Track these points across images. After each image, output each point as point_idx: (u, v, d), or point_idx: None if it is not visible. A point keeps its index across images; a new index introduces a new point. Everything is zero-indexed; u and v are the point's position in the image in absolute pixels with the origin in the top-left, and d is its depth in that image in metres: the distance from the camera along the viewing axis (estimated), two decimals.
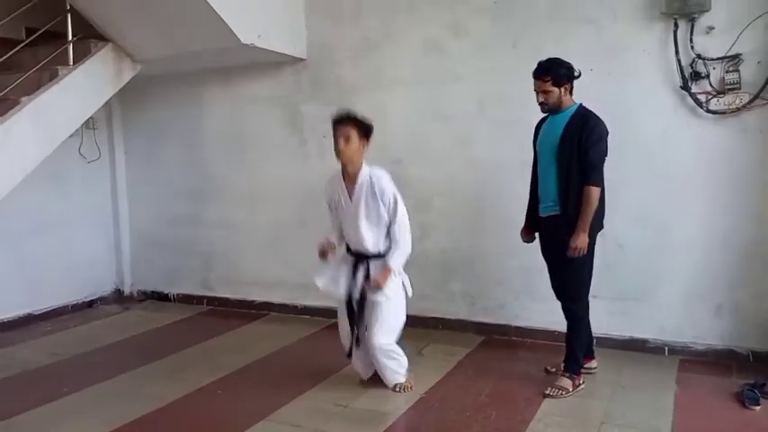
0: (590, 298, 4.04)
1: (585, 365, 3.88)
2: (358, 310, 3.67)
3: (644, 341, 4.38)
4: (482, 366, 4.18)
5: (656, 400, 3.58)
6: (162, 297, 6.31)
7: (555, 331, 4.39)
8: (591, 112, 3.61)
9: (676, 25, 4.14)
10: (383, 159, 5.07)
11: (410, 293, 3.77)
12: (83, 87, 4.71)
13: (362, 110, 5.10)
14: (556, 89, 3.58)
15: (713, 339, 4.22)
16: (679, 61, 4.16)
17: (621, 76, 4.32)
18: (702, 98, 4.14)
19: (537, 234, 3.93)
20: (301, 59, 5.34)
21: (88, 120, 5.25)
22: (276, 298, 5.70)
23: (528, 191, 3.96)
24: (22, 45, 4.62)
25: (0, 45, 4.83)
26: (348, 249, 3.73)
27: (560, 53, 4.16)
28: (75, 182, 6.02)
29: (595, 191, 3.52)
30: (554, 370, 3.92)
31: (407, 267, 3.77)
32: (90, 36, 4.85)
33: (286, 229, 5.56)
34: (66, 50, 4.65)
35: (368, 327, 3.66)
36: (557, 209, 3.63)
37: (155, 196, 6.29)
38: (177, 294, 6.25)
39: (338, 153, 3.52)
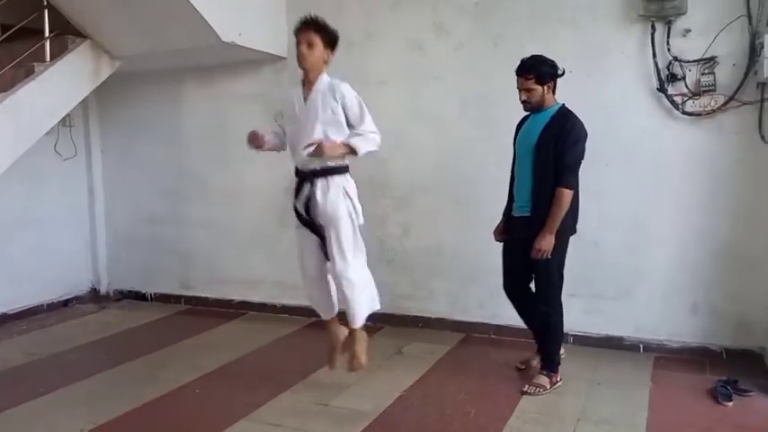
0: (566, 297, 4.05)
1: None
2: (309, 226, 3.42)
3: (620, 339, 4.44)
4: (462, 364, 4.20)
5: (632, 397, 3.63)
6: (139, 296, 6.25)
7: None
8: (571, 113, 3.59)
9: (653, 28, 4.20)
10: (365, 158, 5.11)
11: (361, 221, 3.47)
12: (60, 84, 4.66)
13: None
14: (539, 87, 3.55)
15: (688, 337, 4.30)
16: (656, 63, 4.22)
17: (600, 78, 4.38)
18: (678, 100, 4.20)
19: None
20: (282, 58, 5.31)
21: (64, 117, 5.18)
22: (255, 297, 5.68)
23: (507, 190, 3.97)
24: None
25: None
26: (296, 172, 3.43)
27: (541, 53, 4.20)
28: (50, 180, 5.93)
29: (567, 193, 3.48)
30: (524, 367, 3.98)
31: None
32: (67, 32, 4.79)
33: (266, 227, 5.54)
34: (43, 47, 4.60)
35: (328, 254, 3.41)
36: (528, 210, 3.62)
37: (132, 194, 6.22)
38: (155, 294, 6.19)
39: (300, 58, 3.24)
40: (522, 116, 3.84)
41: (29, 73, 4.45)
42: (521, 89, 3.60)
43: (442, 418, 3.40)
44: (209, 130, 5.81)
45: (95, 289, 6.37)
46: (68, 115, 5.42)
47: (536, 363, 3.92)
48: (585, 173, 4.35)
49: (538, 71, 3.53)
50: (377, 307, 3.58)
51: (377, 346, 4.60)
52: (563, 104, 3.65)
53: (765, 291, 4.02)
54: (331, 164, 3.32)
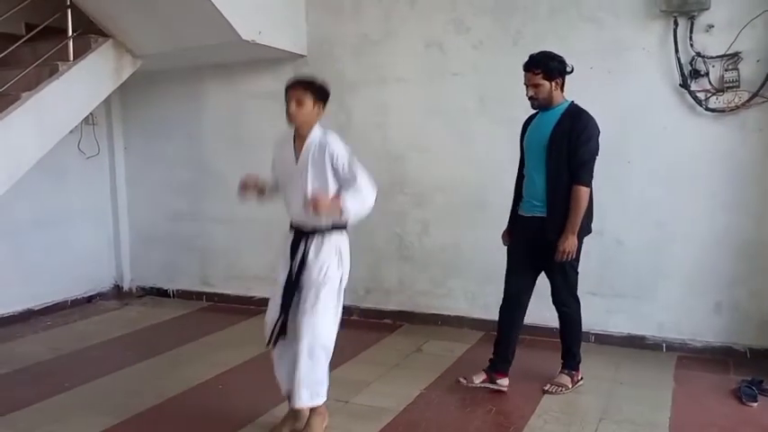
0: (588, 296, 4.11)
1: (498, 382, 3.72)
2: (288, 291, 3.11)
3: (642, 338, 4.40)
4: (481, 362, 4.17)
5: (654, 397, 3.60)
6: (161, 293, 6.32)
7: (554, 328, 4.40)
8: (582, 109, 3.50)
9: (676, 23, 4.15)
10: (384, 155, 5.13)
11: (345, 281, 3.17)
12: (83, 83, 4.70)
13: (363, 106, 5.19)
14: (546, 83, 3.45)
15: (711, 336, 4.25)
16: (678, 59, 4.17)
17: (621, 75, 4.34)
18: (701, 96, 4.16)
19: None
20: (301, 56, 5.34)
21: (88, 115, 5.24)
22: None
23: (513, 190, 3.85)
24: (23, 41, 4.61)
25: (0, 40, 4.84)
26: (291, 227, 3.26)
27: (561, 51, 4.16)
28: (74, 177, 6.01)
29: (585, 191, 3.41)
30: (465, 382, 3.76)
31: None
32: (90, 31, 4.84)
33: (286, 224, 5.53)
34: (67, 46, 4.64)
35: (299, 312, 3.08)
36: (543, 210, 3.51)
37: (154, 192, 6.29)
38: (176, 290, 6.25)
39: (289, 117, 3.10)
40: (529, 115, 3.73)
41: (53, 72, 4.50)
42: (528, 84, 3.51)
43: (462, 415, 3.40)
44: (229, 127, 5.85)
45: (118, 285, 6.45)
46: (92, 114, 5.48)
47: (481, 381, 3.73)
48: (607, 170, 4.33)
49: (546, 66, 3.44)
50: (319, 401, 3.10)
51: (396, 344, 4.65)
52: (572, 102, 3.55)
53: None
54: (327, 222, 3.07)
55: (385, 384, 3.85)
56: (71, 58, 4.64)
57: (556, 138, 3.44)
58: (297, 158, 3.15)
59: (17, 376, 4.16)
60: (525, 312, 3.73)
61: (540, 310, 4.47)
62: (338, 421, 3.36)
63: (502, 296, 3.75)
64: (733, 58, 4.06)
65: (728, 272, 4.19)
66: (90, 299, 6.12)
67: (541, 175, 3.51)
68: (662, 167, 4.29)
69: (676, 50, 4.17)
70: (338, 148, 3.07)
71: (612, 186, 4.38)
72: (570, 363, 3.79)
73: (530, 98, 3.54)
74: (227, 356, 4.40)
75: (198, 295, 6.12)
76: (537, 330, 4.50)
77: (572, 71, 3.54)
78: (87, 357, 4.54)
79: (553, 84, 3.46)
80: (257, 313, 5.58)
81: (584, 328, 4.46)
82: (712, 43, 4.11)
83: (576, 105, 3.53)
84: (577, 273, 3.69)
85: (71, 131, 4.91)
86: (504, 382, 3.72)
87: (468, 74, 4.80)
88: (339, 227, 3.13)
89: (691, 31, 4.14)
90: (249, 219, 5.77)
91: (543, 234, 3.49)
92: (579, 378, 3.77)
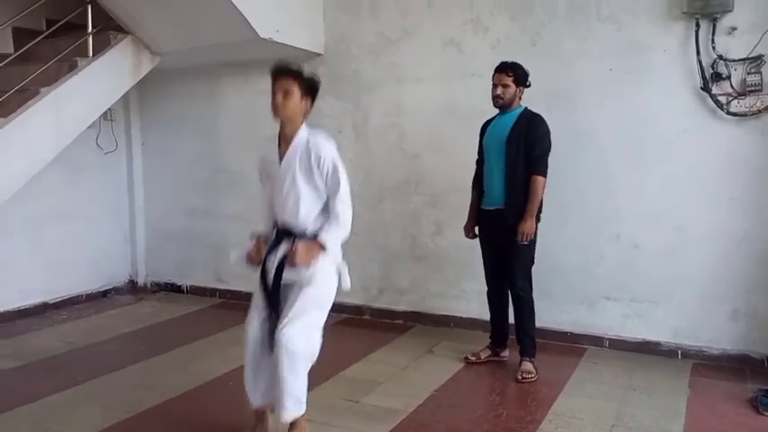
0: (603, 300, 4.29)
1: (501, 354, 4.21)
2: (272, 293, 2.95)
3: (657, 344, 4.34)
4: (493, 365, 4.16)
5: (669, 404, 3.55)
6: (175, 288, 6.36)
7: (567, 332, 4.39)
8: (536, 113, 3.90)
9: (698, 25, 4.09)
10: (399, 155, 5.12)
11: (348, 286, 3.03)
12: (102, 79, 4.75)
13: (380, 105, 5.19)
14: (513, 87, 3.88)
15: (728, 344, 4.18)
16: (700, 62, 4.11)
17: (641, 76, 4.29)
18: (723, 100, 4.09)
19: (477, 229, 4.16)
20: (318, 54, 5.34)
21: (106, 111, 5.29)
22: None
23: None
24: (43, 36, 4.66)
25: (21, 36, 4.90)
26: (274, 226, 3.08)
27: (580, 51, 4.15)
28: (91, 172, 6.07)
29: (542, 180, 3.81)
30: (474, 358, 4.17)
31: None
32: (110, 28, 4.88)
33: None
34: (86, 42, 4.68)
35: (282, 319, 2.89)
36: (502, 202, 3.89)
37: (170, 188, 6.32)
38: (190, 286, 6.29)
39: (275, 109, 2.92)
40: (486, 120, 4.11)
41: (72, 67, 4.55)
42: (497, 84, 3.91)
43: (473, 418, 3.37)
44: (244, 125, 5.86)
45: (133, 280, 6.50)
46: (110, 109, 5.53)
47: (486, 356, 4.19)
48: (625, 173, 4.31)
49: (517, 72, 3.89)
50: (302, 410, 2.93)
51: (407, 345, 4.62)
52: (526, 107, 3.94)
53: None
54: (312, 227, 2.93)
55: (396, 385, 3.84)
56: (90, 54, 4.69)
57: (513, 137, 3.86)
58: (281, 160, 2.96)
59: (32, 368, 4.20)
60: (507, 291, 4.06)
61: (554, 313, 4.48)
62: (348, 421, 3.36)
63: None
64: (756, 61, 3.99)
65: (746, 278, 4.11)
66: (105, 293, 6.18)
67: (500, 171, 3.90)
68: (681, 171, 4.23)
69: (698, 53, 4.11)
70: (325, 152, 2.89)
71: (630, 189, 4.33)
72: (531, 348, 3.96)
73: (495, 96, 3.94)
74: (238, 353, 4.34)
75: (211, 292, 6.14)
76: (548, 334, 4.46)
77: (530, 86, 3.94)
78: (101, 351, 4.58)
79: (518, 89, 3.92)
80: None
81: (599, 332, 4.49)
82: (735, 46, 4.04)
83: (530, 110, 3.93)
84: (533, 259, 3.95)
85: (89, 127, 4.96)
86: (505, 353, 4.21)
87: (486, 74, 4.74)
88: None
89: (713, 33, 4.07)
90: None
91: (504, 222, 3.86)
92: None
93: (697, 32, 4.10)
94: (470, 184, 4.84)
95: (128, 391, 3.77)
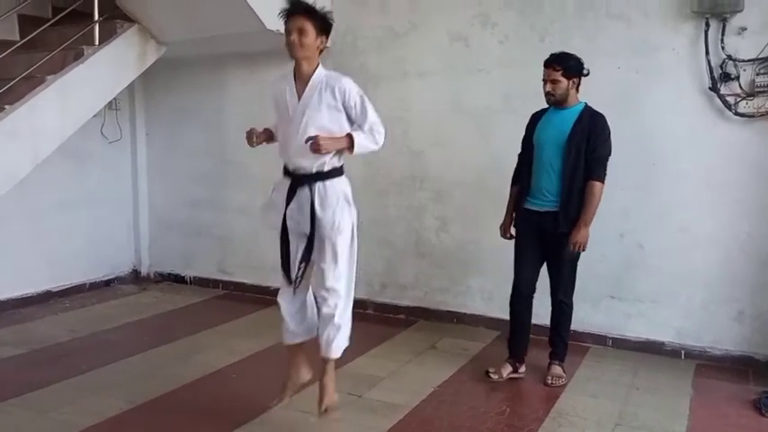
0: (607, 299, 4.31)
1: (520, 371, 3.88)
2: (306, 246, 2.99)
3: (661, 344, 4.34)
4: (497, 362, 4.14)
5: (672, 404, 3.55)
6: (178, 279, 6.36)
7: (573, 331, 4.37)
8: (598, 111, 3.64)
9: (708, 25, 4.07)
10: (404, 150, 5.10)
11: (355, 225, 3.08)
12: (107, 68, 4.73)
13: (385, 99, 5.15)
14: (565, 80, 3.59)
15: (732, 345, 4.18)
16: (709, 62, 4.09)
17: (649, 75, 4.27)
18: (731, 100, 4.07)
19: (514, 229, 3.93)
20: (325, 47, 5.29)
21: (111, 101, 5.27)
22: None
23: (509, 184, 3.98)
24: (49, 24, 4.64)
25: (27, 23, 4.87)
26: (286, 172, 3.06)
27: (589, 49, 4.11)
28: (96, 161, 6.06)
29: (601, 186, 3.57)
30: (496, 377, 3.79)
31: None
32: (116, 17, 4.86)
33: None
34: (92, 30, 4.66)
35: (315, 268, 3.03)
36: (555, 205, 3.62)
37: (174, 179, 6.32)
38: (193, 277, 6.29)
39: (291, 47, 2.88)
40: (537, 110, 3.84)
41: (78, 56, 4.53)
42: (546, 80, 3.64)
43: (475, 415, 3.38)
44: (250, 117, 5.77)
45: (137, 270, 6.50)
46: (115, 99, 5.51)
47: (508, 373, 3.84)
48: (631, 172, 4.29)
49: (566, 64, 3.58)
50: (346, 343, 3.12)
51: (410, 340, 4.63)
52: (586, 103, 3.68)
53: None
54: (327, 167, 2.93)
55: (398, 380, 3.84)
56: (96, 43, 4.66)
57: (575, 136, 3.57)
58: (299, 97, 2.93)
59: (35, 357, 4.21)
60: (533, 299, 3.85)
61: None
62: (351, 415, 3.36)
63: (512, 289, 3.85)
64: (765, 62, 3.97)
65: (752, 280, 4.11)
66: (108, 282, 6.18)
67: (557, 171, 3.62)
68: (687, 171, 4.21)
69: (707, 52, 4.09)
70: (349, 85, 2.91)
71: (636, 189, 4.32)
72: (563, 354, 3.88)
73: (547, 93, 3.67)
74: (241, 345, 4.41)
75: (214, 283, 6.14)
76: None
77: (588, 74, 3.65)
78: (104, 341, 4.58)
79: (570, 82, 3.61)
80: (273, 303, 5.52)
81: (602, 331, 4.50)
82: (744, 46, 4.02)
83: (591, 107, 3.66)
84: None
85: (94, 116, 4.95)
86: (522, 369, 3.89)
87: (493, 70, 4.75)
88: (339, 171, 3.00)
89: (723, 33, 4.05)
90: None
91: (555, 227, 3.60)
92: None
93: (706, 32, 4.07)
94: (476, 180, 4.85)
95: (129, 382, 3.78)
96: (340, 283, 3.00)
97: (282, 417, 3.33)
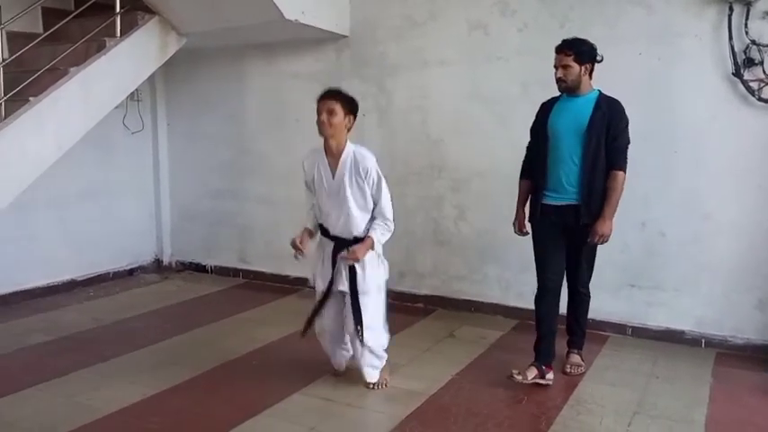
0: (627, 288, 4.29)
1: (547, 377, 3.60)
2: (351, 301, 3.43)
3: (681, 332, 4.31)
4: (515, 351, 4.15)
5: (691, 393, 3.54)
6: (199, 268, 6.44)
7: (589, 319, 4.34)
8: (613, 98, 3.51)
9: (731, 9, 4.00)
10: (423, 139, 5.10)
11: (386, 275, 3.55)
12: (129, 59, 4.77)
13: (404, 88, 5.16)
14: (576, 66, 3.44)
15: (753, 333, 4.14)
16: (732, 47, 4.02)
17: (671, 62, 4.21)
18: (755, 86, 4.01)
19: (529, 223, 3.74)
20: (344, 36, 5.32)
21: (133, 92, 5.33)
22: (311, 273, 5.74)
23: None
24: (71, 16, 4.69)
25: (49, 16, 4.94)
26: (326, 233, 3.51)
27: (609, 36, 4.07)
28: (119, 152, 6.14)
29: (622, 176, 3.45)
30: (520, 378, 3.51)
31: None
32: (137, 8, 4.89)
33: None
34: (114, 22, 4.70)
35: (354, 321, 3.44)
36: (576, 197, 3.47)
37: (195, 169, 6.38)
38: (214, 266, 6.36)
39: (321, 126, 3.30)
40: (546, 100, 3.70)
41: (100, 48, 4.58)
42: (558, 66, 3.49)
43: (493, 402, 3.39)
44: (270, 107, 5.88)
45: (159, 259, 6.59)
46: (137, 90, 5.57)
47: (533, 376, 3.56)
48: (652, 160, 4.25)
49: (578, 49, 3.44)
50: (383, 362, 3.59)
51: (428, 328, 4.65)
52: (600, 90, 3.54)
53: None
54: (363, 233, 3.40)
55: (416, 368, 3.87)
56: (118, 35, 4.70)
57: (595, 124, 3.42)
58: (333, 174, 3.36)
59: (61, 344, 4.31)
60: (559, 295, 3.69)
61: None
62: (370, 402, 3.40)
63: (537, 287, 3.69)
64: None
65: None
66: (131, 271, 6.28)
67: (576, 162, 3.47)
68: (709, 158, 4.17)
69: (730, 38, 4.02)
70: (370, 165, 3.33)
71: (657, 176, 4.28)
72: (581, 342, 3.87)
73: (558, 80, 3.52)
74: (261, 333, 4.46)
75: (235, 272, 6.21)
76: None
77: (602, 60, 3.52)
78: (127, 328, 4.67)
79: (583, 68, 3.46)
80: (292, 292, 5.66)
81: (622, 320, 4.48)
82: None
83: (606, 94, 3.52)
84: None
85: (117, 107, 5.00)
86: (551, 375, 3.62)
87: (512, 58, 4.72)
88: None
89: (746, 18, 3.98)
90: (288, 199, 5.81)
91: (577, 220, 3.47)
92: None
93: (730, 17, 4.01)
94: (494, 169, 4.82)
95: (152, 369, 3.85)
96: (373, 333, 3.46)
97: (303, 403, 3.37)
